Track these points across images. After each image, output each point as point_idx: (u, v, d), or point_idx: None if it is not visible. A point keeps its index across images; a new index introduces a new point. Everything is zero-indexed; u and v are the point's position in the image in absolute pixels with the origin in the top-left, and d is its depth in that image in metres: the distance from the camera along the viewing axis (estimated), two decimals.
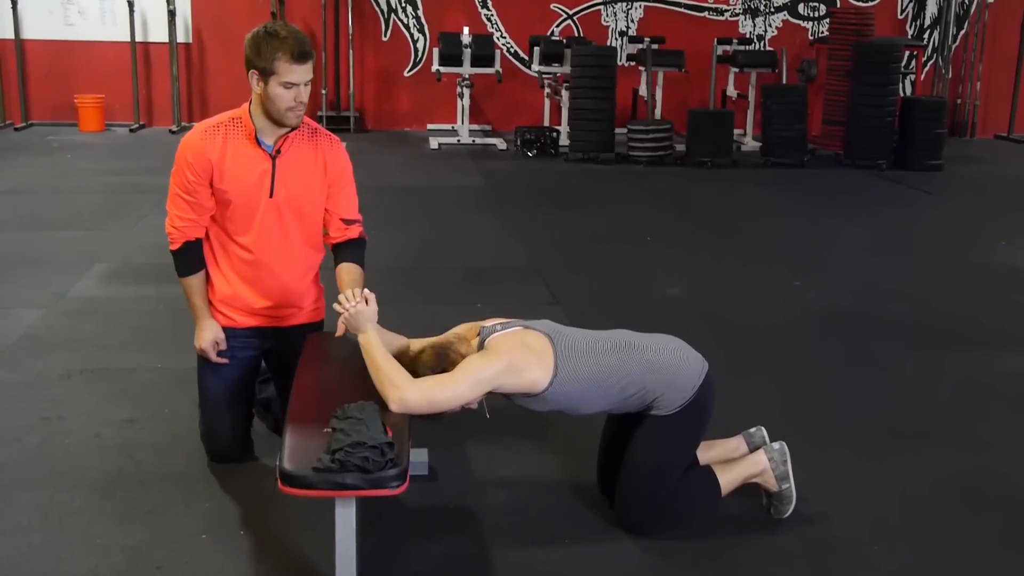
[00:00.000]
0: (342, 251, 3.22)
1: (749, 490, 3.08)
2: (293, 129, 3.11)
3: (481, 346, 2.81)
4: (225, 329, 3.24)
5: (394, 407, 2.64)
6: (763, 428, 3.23)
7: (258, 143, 3.10)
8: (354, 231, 3.25)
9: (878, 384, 4.24)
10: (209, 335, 3.19)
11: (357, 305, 2.82)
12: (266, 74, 2.98)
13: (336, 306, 2.85)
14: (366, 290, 2.89)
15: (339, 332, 2.94)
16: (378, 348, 2.76)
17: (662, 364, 2.86)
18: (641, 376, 2.82)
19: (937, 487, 3.34)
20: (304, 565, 2.76)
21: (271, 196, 3.12)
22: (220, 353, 3.22)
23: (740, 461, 3.06)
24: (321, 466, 2.35)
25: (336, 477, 2.34)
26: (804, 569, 2.84)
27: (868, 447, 3.62)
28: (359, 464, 2.35)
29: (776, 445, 3.08)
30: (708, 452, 3.13)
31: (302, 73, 2.99)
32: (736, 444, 3.19)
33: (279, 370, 3.35)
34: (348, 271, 3.14)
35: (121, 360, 4.22)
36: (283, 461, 2.41)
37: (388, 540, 2.89)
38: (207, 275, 3.23)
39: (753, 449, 3.15)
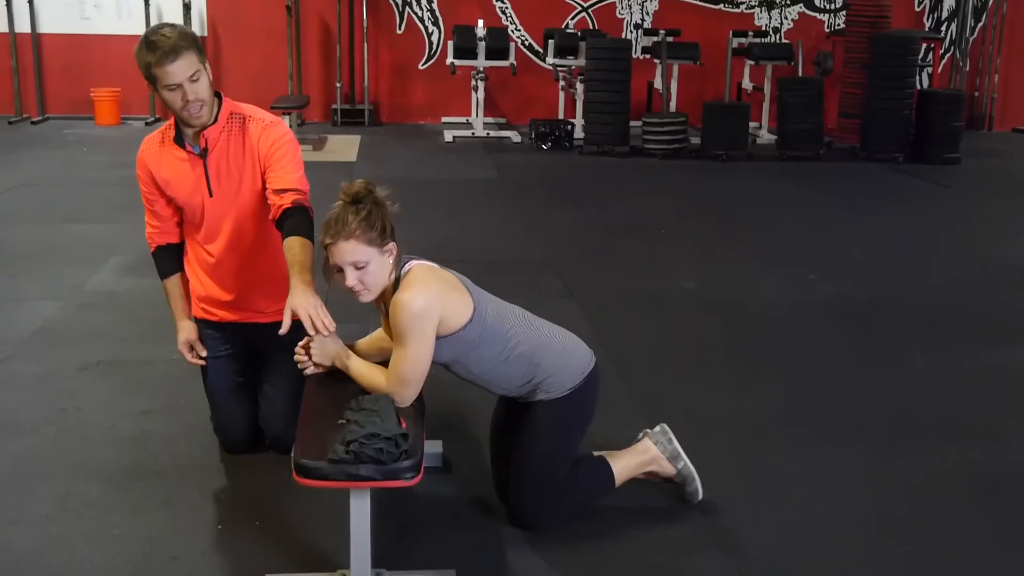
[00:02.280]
0: (283, 224, 2.93)
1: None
2: (214, 123, 3.05)
3: (398, 280, 2.69)
4: (212, 324, 3.28)
5: (398, 401, 2.64)
6: (663, 425, 3.16)
7: (184, 146, 3.09)
8: (287, 199, 2.96)
9: (893, 378, 4.22)
10: (182, 336, 3.26)
11: (313, 355, 2.76)
12: (151, 82, 2.95)
13: (296, 359, 2.79)
14: (324, 322, 2.64)
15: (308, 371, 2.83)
16: (355, 366, 2.75)
17: (557, 345, 2.86)
18: (537, 350, 2.80)
19: (952, 481, 3.32)
20: (319, 555, 2.76)
21: (211, 195, 3.10)
22: (207, 354, 3.27)
23: (628, 450, 3.05)
24: (336, 457, 2.36)
25: (351, 468, 2.35)
26: (813, 563, 2.83)
27: (882, 441, 3.60)
28: (373, 455, 2.35)
29: (656, 428, 3.10)
30: (611, 459, 3.06)
31: (178, 72, 2.90)
32: (644, 447, 3.11)
33: (265, 368, 3.31)
34: (288, 246, 2.83)
35: (137, 352, 4.24)
36: (298, 453, 2.42)
37: (402, 531, 2.90)
38: (184, 278, 3.29)
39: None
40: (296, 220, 2.90)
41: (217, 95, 3.09)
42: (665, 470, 3.05)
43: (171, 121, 3.12)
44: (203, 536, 2.86)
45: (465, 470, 3.25)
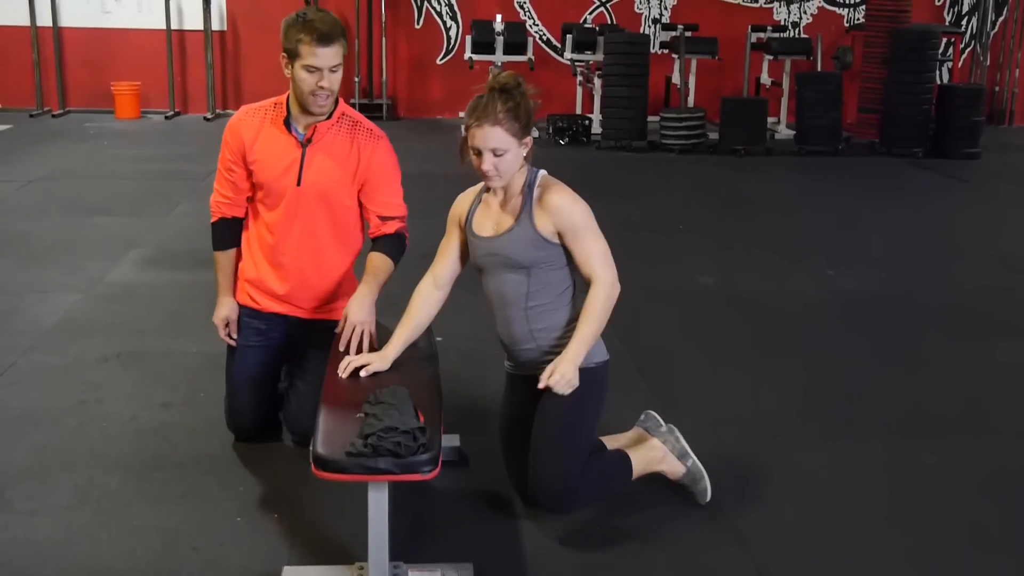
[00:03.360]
0: (376, 243, 3.22)
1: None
2: (327, 118, 3.11)
3: (532, 182, 2.84)
4: (250, 311, 3.27)
5: (617, 288, 2.85)
6: (651, 411, 3.21)
7: (290, 129, 3.11)
8: (390, 227, 3.20)
9: (911, 373, 4.21)
10: (222, 312, 3.27)
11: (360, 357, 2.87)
12: (292, 56, 2.99)
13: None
14: (356, 343, 2.95)
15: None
16: (585, 340, 2.80)
17: None
18: (577, 307, 2.87)
19: (970, 477, 3.31)
20: (337, 548, 2.78)
21: (299, 184, 3.11)
22: (238, 340, 3.28)
23: (640, 446, 3.07)
24: (354, 451, 2.37)
25: (369, 462, 2.36)
26: (830, 557, 2.83)
27: (900, 435, 3.60)
28: (391, 449, 2.36)
29: (664, 428, 3.13)
30: (612, 444, 3.10)
31: (325, 57, 2.96)
32: (636, 435, 3.16)
33: (296, 356, 3.33)
34: (371, 260, 3.15)
35: (157, 344, 4.27)
36: (317, 445, 2.43)
37: (420, 524, 2.92)
38: (239, 255, 3.28)
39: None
40: (392, 244, 3.18)
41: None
42: (674, 468, 3.05)
43: (282, 101, 3.13)
44: (222, 527, 2.88)
45: (482, 464, 3.26)
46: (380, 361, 2.84)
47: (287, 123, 3.11)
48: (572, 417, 2.83)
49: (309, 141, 3.11)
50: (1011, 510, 3.12)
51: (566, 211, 2.80)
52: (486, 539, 2.87)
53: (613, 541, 2.88)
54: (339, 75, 3.04)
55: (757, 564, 2.78)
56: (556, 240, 2.82)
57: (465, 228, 2.93)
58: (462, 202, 2.99)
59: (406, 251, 3.25)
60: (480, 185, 2.96)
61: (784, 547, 2.87)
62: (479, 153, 2.76)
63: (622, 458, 2.98)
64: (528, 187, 2.84)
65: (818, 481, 3.26)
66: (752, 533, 2.93)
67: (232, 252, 3.27)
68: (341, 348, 2.94)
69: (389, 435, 2.38)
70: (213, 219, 3.26)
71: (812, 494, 3.18)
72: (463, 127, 2.83)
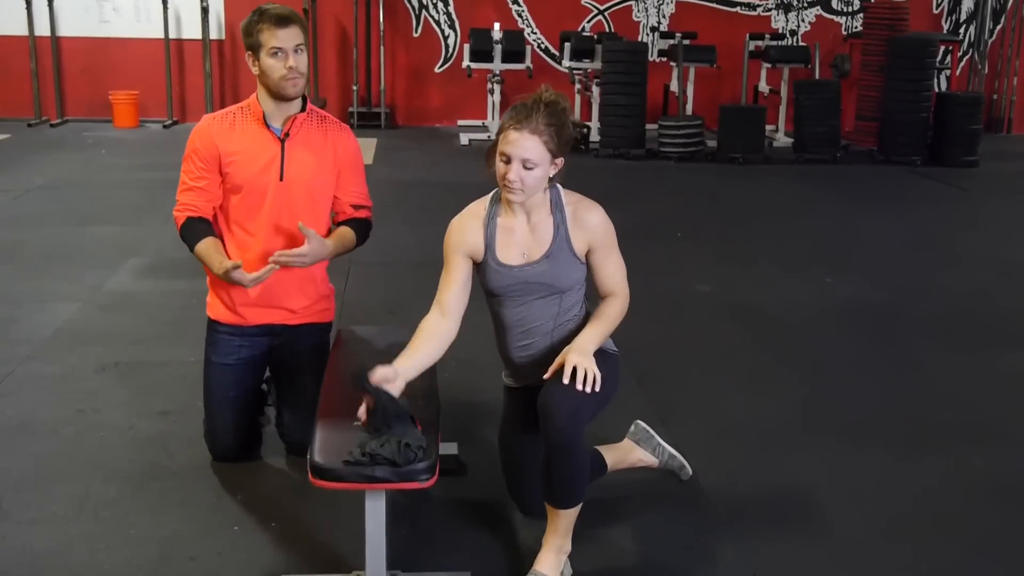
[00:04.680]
0: (347, 223, 3.23)
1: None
2: (301, 112, 3.12)
3: (559, 200, 2.75)
4: (234, 328, 3.21)
5: (627, 306, 2.80)
6: (638, 422, 3.24)
7: (267, 126, 3.11)
8: (362, 214, 3.26)
9: (910, 381, 4.21)
10: (227, 264, 2.98)
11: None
12: (255, 49, 3.01)
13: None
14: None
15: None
16: (596, 337, 2.69)
17: None
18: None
19: (969, 485, 3.31)
20: (335, 557, 2.78)
21: (281, 179, 3.10)
22: (223, 352, 3.22)
23: (615, 446, 3.14)
24: (352, 459, 2.37)
25: (366, 470, 2.35)
26: (829, 565, 2.83)
27: (899, 443, 3.59)
28: (389, 457, 2.36)
29: (631, 427, 3.21)
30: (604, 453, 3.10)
31: (287, 37, 2.99)
32: (627, 446, 3.20)
33: (284, 369, 3.28)
34: (342, 231, 3.18)
35: (155, 354, 4.27)
36: (314, 454, 2.43)
37: (417, 533, 2.91)
38: (221, 239, 3.15)
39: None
40: (363, 227, 3.24)
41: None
42: (648, 461, 3.17)
43: (249, 103, 3.14)
44: (220, 537, 2.88)
45: (480, 473, 3.25)
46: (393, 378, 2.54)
47: (265, 122, 3.11)
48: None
49: (287, 135, 3.11)
50: (1013, 520, 3.11)
51: (602, 229, 2.74)
52: (483, 548, 2.86)
53: (608, 550, 2.87)
54: (304, 57, 3.05)
55: (755, 571, 2.77)
56: (584, 258, 2.77)
57: (486, 258, 2.73)
58: (467, 230, 2.74)
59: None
60: (480, 208, 2.77)
61: (782, 554, 2.86)
62: (508, 160, 2.60)
63: (596, 454, 3.03)
64: (556, 206, 2.73)
65: (817, 490, 3.25)
66: (751, 543, 2.92)
67: (212, 240, 3.08)
68: (275, 258, 2.94)
69: (387, 445, 2.38)
70: (180, 222, 3.12)
71: (810, 501, 3.18)
72: (496, 131, 2.71)
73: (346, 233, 3.19)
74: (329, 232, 3.21)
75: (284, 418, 3.30)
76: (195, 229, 3.10)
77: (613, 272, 2.78)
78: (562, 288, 2.74)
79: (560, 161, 2.67)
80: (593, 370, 2.55)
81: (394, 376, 2.51)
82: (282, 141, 3.11)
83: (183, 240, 3.15)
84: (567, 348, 2.64)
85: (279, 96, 3.07)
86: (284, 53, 2.99)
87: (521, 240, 2.73)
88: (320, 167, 3.15)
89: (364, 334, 3.25)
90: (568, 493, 2.64)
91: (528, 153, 2.58)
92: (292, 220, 3.10)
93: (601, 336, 2.70)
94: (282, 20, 2.99)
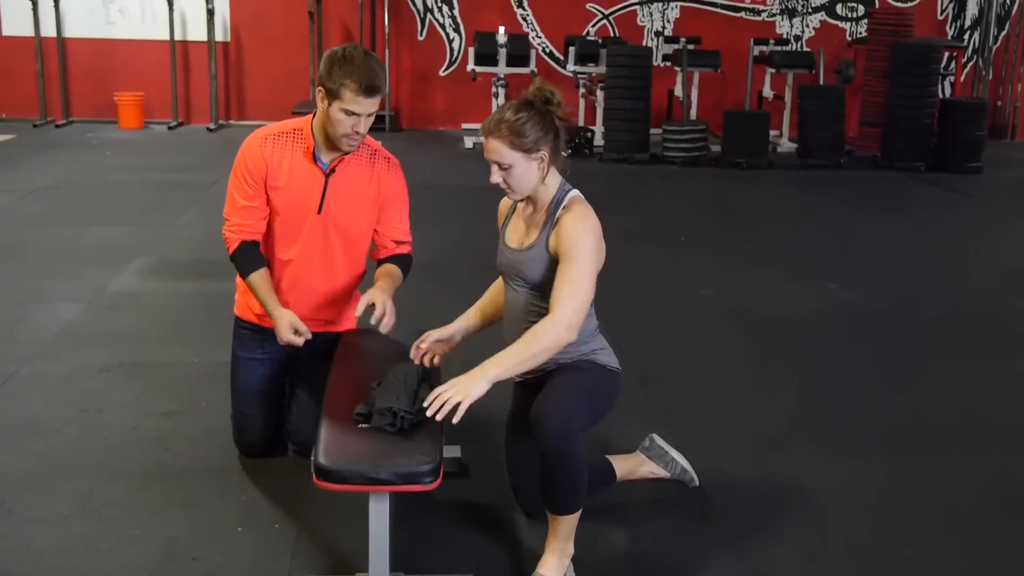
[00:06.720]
0: (390, 259, 3.26)
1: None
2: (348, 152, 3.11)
3: (561, 200, 2.77)
4: (254, 326, 3.28)
5: (570, 336, 2.61)
6: (654, 436, 3.24)
7: (314, 159, 3.10)
8: (404, 249, 3.29)
9: (912, 387, 4.21)
10: (285, 323, 3.06)
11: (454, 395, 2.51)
12: (331, 95, 2.95)
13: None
14: (388, 321, 2.97)
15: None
16: (505, 358, 2.59)
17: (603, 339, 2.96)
18: (596, 329, 2.91)
19: (970, 492, 3.31)
20: (338, 558, 2.78)
21: (319, 212, 3.12)
22: (244, 354, 3.28)
23: (627, 457, 3.16)
24: (362, 412, 2.54)
25: (370, 472, 2.36)
26: (829, 568, 2.83)
27: (900, 449, 3.59)
28: (383, 413, 2.49)
29: (646, 442, 3.22)
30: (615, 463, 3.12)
31: (366, 105, 2.94)
32: (640, 459, 3.21)
33: (300, 366, 3.31)
34: (387, 268, 3.20)
35: (159, 354, 4.27)
36: (318, 456, 2.43)
37: (421, 535, 2.91)
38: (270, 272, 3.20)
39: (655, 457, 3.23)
40: (406, 262, 3.28)
41: None
42: (659, 472, 3.18)
43: (303, 127, 3.10)
44: (223, 537, 2.88)
45: (483, 475, 3.26)
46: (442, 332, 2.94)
47: (314, 154, 3.10)
48: (585, 385, 2.74)
49: (333, 171, 3.11)
50: (1013, 524, 3.11)
51: (568, 237, 2.69)
52: (487, 550, 2.86)
53: (611, 554, 2.87)
54: (373, 118, 3.02)
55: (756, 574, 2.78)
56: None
57: (501, 234, 2.92)
58: (504, 206, 2.99)
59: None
60: None
61: (780, 559, 2.86)
62: (492, 166, 2.74)
63: (606, 463, 3.06)
64: (555, 205, 2.77)
65: (818, 495, 3.25)
66: (752, 548, 2.92)
67: (264, 271, 3.14)
68: (373, 321, 2.96)
69: (384, 413, 2.50)
70: (231, 249, 3.14)
71: (810, 506, 3.17)
72: None
73: (394, 272, 3.21)
74: (368, 264, 3.30)
75: (293, 414, 3.32)
76: (250, 257, 3.13)
77: (560, 285, 2.64)
78: (531, 281, 2.79)
79: (543, 154, 2.70)
80: (456, 401, 2.47)
81: (449, 336, 2.91)
82: (327, 176, 3.11)
83: (234, 263, 3.17)
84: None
85: (334, 147, 3.07)
86: (357, 119, 2.96)
87: (523, 227, 2.86)
88: (360, 205, 3.16)
89: (368, 337, 3.25)
90: (564, 501, 2.66)
91: (495, 156, 2.69)
92: (326, 252, 3.17)
93: (504, 362, 2.56)
94: (369, 90, 2.92)
